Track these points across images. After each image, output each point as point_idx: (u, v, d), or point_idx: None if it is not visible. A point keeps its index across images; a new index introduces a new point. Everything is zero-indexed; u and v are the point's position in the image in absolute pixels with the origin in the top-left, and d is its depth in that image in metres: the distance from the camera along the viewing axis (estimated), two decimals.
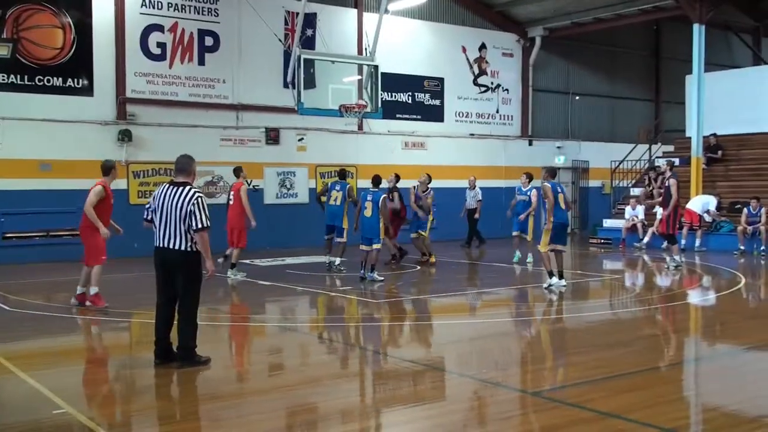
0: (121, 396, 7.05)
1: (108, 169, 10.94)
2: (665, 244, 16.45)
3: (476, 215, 20.47)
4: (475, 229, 20.95)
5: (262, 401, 6.48)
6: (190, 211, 7.34)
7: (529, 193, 15.99)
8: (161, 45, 19.19)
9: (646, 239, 20.33)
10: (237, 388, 7.02)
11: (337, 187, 15.22)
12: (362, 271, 13.89)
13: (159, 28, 19.15)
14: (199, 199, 7.41)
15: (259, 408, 6.30)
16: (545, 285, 12.78)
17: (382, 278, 13.92)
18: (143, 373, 7.69)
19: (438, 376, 7.59)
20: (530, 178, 16.54)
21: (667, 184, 15.70)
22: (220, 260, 14.66)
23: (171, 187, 7.54)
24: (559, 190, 12.92)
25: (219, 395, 6.65)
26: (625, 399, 6.42)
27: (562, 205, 12.78)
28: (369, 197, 14.13)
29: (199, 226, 7.35)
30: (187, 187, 7.48)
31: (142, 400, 6.78)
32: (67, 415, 6.01)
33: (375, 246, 13.89)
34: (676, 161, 22.52)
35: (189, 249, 7.43)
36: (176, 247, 7.41)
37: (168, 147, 18.98)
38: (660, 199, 16.14)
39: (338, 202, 15.03)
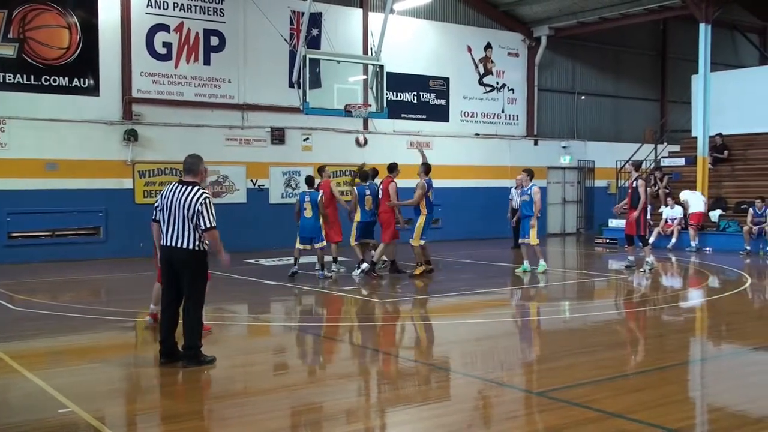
0: (126, 395, 7.06)
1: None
2: (626, 246, 16.29)
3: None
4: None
5: (266, 401, 6.48)
6: (198, 210, 7.38)
7: (529, 192, 15.08)
8: (167, 45, 19.22)
9: (651, 239, 20.27)
10: (241, 388, 7.02)
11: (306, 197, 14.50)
12: (321, 273, 14.32)
13: (165, 27, 19.18)
14: (207, 199, 7.45)
15: (263, 407, 6.31)
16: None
17: (331, 275, 14.37)
18: (148, 373, 7.71)
19: (443, 375, 7.58)
20: (531, 175, 15.46)
21: (634, 185, 15.46)
22: (333, 270, 14.91)
23: (179, 186, 7.58)
24: (367, 192, 14.59)
25: (224, 394, 6.66)
26: (631, 399, 6.40)
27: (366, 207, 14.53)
28: (307, 198, 14.33)
29: (207, 226, 7.40)
30: (195, 187, 7.51)
31: (147, 399, 6.80)
32: (72, 414, 6.02)
33: (317, 245, 14.31)
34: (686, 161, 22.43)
35: (196, 248, 7.46)
36: (183, 246, 7.44)
37: (174, 147, 19.07)
38: (627, 201, 15.81)
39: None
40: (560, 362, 8.01)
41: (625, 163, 25.19)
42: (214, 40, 19.84)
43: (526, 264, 15.25)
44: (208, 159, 20.08)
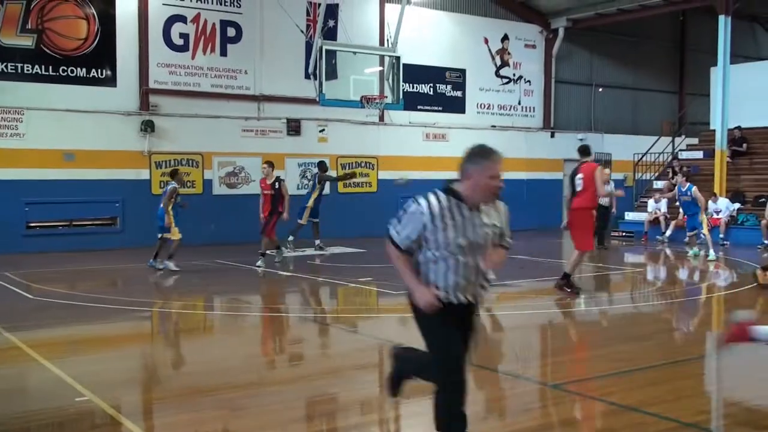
0: (143, 384, 7.11)
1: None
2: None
3: (613, 210, 19.81)
4: (607, 225, 19.46)
5: (282, 391, 6.51)
6: None
7: (690, 192, 16.43)
8: (184, 36, 19.25)
9: (668, 232, 20.19)
10: (258, 378, 7.05)
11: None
12: (152, 261, 14.18)
13: (182, 18, 19.21)
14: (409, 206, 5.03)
15: (279, 398, 6.33)
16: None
17: (179, 268, 14.04)
18: (165, 362, 7.75)
19: None
20: (687, 176, 17.21)
21: None
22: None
23: None
24: None
25: (240, 385, 6.68)
26: (646, 392, 6.38)
27: None
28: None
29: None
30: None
31: (164, 389, 6.84)
32: (89, 402, 6.07)
33: (167, 235, 14.20)
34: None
35: None
36: None
37: (190, 137, 19.15)
38: None
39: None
40: (575, 355, 7.99)
41: (642, 156, 25.06)
42: (231, 32, 19.86)
43: (696, 249, 16.73)
44: (224, 150, 20.30)
